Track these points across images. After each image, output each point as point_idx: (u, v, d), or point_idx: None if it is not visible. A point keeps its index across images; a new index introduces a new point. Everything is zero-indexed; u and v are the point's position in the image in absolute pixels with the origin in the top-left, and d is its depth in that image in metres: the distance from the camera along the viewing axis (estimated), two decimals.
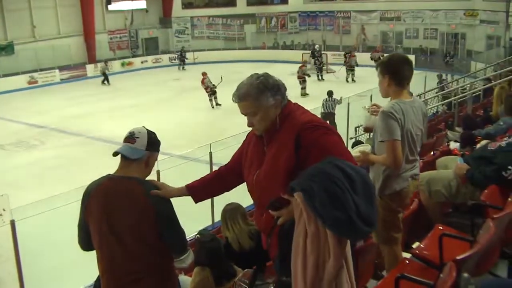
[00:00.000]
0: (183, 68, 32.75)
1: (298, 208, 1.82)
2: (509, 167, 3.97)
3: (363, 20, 34.01)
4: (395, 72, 3.55)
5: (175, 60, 33.83)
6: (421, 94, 16.34)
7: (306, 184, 1.80)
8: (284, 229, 2.10)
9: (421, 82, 18.50)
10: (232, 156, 2.84)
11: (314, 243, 1.77)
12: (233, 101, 2.54)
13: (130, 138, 2.82)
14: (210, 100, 21.04)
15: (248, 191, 2.67)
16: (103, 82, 27.99)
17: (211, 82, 20.86)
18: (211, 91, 20.91)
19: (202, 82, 20.96)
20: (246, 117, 2.52)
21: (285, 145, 2.42)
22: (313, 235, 1.77)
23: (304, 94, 22.65)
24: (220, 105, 20.70)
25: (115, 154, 2.81)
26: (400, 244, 3.72)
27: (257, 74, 2.55)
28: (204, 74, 21.19)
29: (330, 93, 16.32)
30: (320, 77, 27.08)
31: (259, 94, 2.45)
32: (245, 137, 2.77)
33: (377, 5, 33.37)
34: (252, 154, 2.62)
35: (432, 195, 4.29)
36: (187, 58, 33.12)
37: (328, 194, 1.74)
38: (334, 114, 15.55)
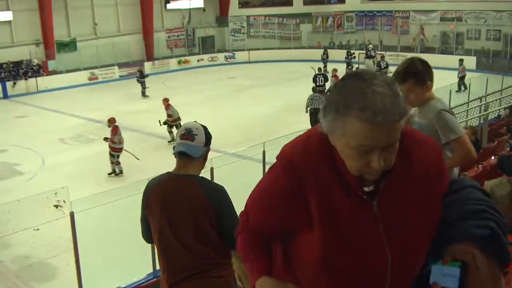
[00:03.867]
0: (144, 94, 24.61)
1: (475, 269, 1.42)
2: None
3: (423, 20, 33.16)
4: (432, 74, 3.49)
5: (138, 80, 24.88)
6: (482, 97, 15.83)
7: (485, 226, 1.44)
8: None
9: (483, 84, 17.91)
10: (259, 221, 1.72)
11: None
12: (378, 121, 1.34)
13: (188, 135, 2.81)
14: (170, 132, 16.48)
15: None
16: (143, 94, 24.61)
17: (177, 112, 16.54)
18: (174, 123, 16.33)
19: (167, 107, 16.51)
20: (369, 155, 1.41)
21: (420, 188, 1.51)
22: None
23: None
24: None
25: (180, 154, 2.81)
26: None
27: (383, 77, 1.44)
28: (166, 100, 16.72)
29: (314, 89, 17.35)
30: None
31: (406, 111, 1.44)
32: (288, 185, 1.55)
33: (438, 5, 32.47)
34: (350, 218, 1.48)
35: (499, 201, 4.10)
36: (146, 76, 25.21)
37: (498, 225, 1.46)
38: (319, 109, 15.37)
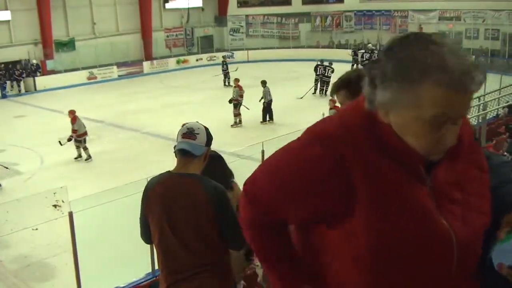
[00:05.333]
0: (226, 83, 26.06)
1: None
2: None
3: (421, 20, 33.17)
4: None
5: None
6: (480, 96, 15.83)
7: None
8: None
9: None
10: (282, 210, 1.44)
11: None
12: (462, 86, 1.20)
13: (190, 134, 2.81)
14: (78, 147, 15.01)
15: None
16: (225, 84, 26.23)
17: (84, 126, 15.15)
18: (80, 137, 14.95)
19: (73, 121, 14.90)
20: (441, 129, 1.24)
21: (470, 163, 1.42)
22: None
23: None
24: (90, 158, 15.00)
25: (181, 152, 2.81)
26: None
27: (453, 40, 1.37)
28: (72, 112, 15.15)
29: (264, 83, 18.61)
30: None
31: None
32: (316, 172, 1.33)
33: (436, 4, 32.49)
34: (401, 198, 1.30)
35: None
36: (225, 65, 26.88)
37: None
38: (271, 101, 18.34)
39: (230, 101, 18.25)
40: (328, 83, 21.86)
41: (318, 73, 23.11)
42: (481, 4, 30.58)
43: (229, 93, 19.12)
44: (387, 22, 34.60)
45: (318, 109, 20.10)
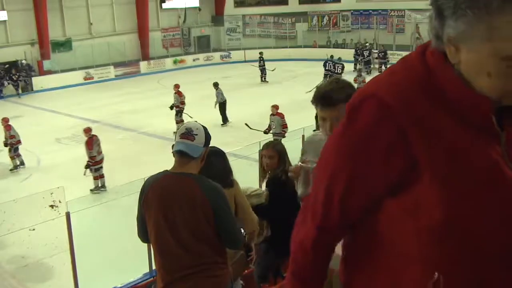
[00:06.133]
0: (263, 79, 26.77)
1: None
2: None
3: (418, 19, 33.22)
4: None
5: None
6: None
7: None
8: None
9: None
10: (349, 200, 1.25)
11: None
12: None
13: (188, 134, 2.80)
14: (13, 158, 14.24)
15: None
16: (262, 79, 26.62)
17: (18, 135, 14.32)
18: (17, 144, 14.23)
19: (7, 128, 14.18)
20: None
21: None
22: None
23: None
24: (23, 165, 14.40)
25: (179, 153, 2.80)
26: None
27: None
28: (6, 120, 14.40)
29: (216, 85, 18.31)
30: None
31: None
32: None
33: None
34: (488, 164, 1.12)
35: None
36: (261, 61, 27.05)
37: None
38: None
39: (171, 108, 17.38)
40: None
41: (326, 68, 23.43)
42: None
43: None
44: (384, 21, 34.65)
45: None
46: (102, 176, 12.74)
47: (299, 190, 2.59)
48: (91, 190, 12.33)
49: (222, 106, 18.25)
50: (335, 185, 1.24)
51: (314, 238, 1.33)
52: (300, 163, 2.64)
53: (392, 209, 1.20)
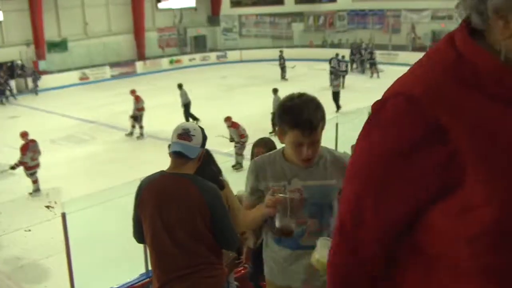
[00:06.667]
0: (284, 77, 27.00)
1: None
2: None
3: (414, 19, 33.32)
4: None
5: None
6: None
7: None
8: None
9: None
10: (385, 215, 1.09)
11: None
12: None
13: (186, 135, 2.79)
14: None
15: None
16: (282, 77, 27.21)
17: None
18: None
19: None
20: None
21: None
22: None
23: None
24: None
25: (176, 154, 2.79)
26: None
27: None
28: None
29: (180, 86, 18.55)
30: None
31: None
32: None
33: (429, 4, 32.60)
34: None
35: None
36: (283, 60, 27.51)
37: None
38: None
39: (131, 117, 17.00)
40: (343, 76, 23.49)
41: (332, 64, 24.22)
42: None
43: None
44: (380, 21, 34.73)
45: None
46: (36, 182, 12.47)
47: (278, 223, 2.30)
48: (29, 193, 12.15)
49: (186, 107, 18.24)
50: (367, 200, 1.08)
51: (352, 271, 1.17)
52: (271, 194, 2.32)
53: (434, 219, 1.04)
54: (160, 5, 34.16)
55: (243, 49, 34.85)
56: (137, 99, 17.04)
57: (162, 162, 3.20)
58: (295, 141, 2.30)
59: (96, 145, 16.53)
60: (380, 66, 27.93)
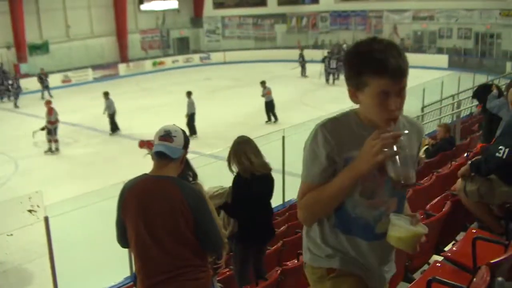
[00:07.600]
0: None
1: None
2: (500, 147, 3.78)
3: (396, 20, 33.59)
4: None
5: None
6: (455, 95, 16.07)
7: None
8: None
9: (455, 83, 18.21)
10: None
11: None
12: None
13: (167, 136, 2.82)
14: None
15: None
16: (302, 74, 28.47)
17: None
18: None
19: None
20: None
21: None
22: None
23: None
24: None
25: (158, 154, 2.81)
26: None
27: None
28: None
29: (189, 93, 17.28)
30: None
31: None
32: None
33: (410, 4, 32.91)
34: None
35: (468, 195, 4.12)
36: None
37: None
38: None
39: (42, 129, 15.81)
40: (332, 74, 26.03)
41: (324, 62, 26.36)
42: (453, 3, 31.09)
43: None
44: (362, 22, 34.96)
45: (306, 108, 20.22)
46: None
47: (395, 171, 1.85)
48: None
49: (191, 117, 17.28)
50: None
51: None
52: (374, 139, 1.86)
53: None
54: (143, 7, 34.02)
55: (227, 51, 34.86)
56: (50, 112, 15.86)
57: (145, 164, 3.20)
58: (382, 91, 1.91)
59: (79, 148, 16.42)
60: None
